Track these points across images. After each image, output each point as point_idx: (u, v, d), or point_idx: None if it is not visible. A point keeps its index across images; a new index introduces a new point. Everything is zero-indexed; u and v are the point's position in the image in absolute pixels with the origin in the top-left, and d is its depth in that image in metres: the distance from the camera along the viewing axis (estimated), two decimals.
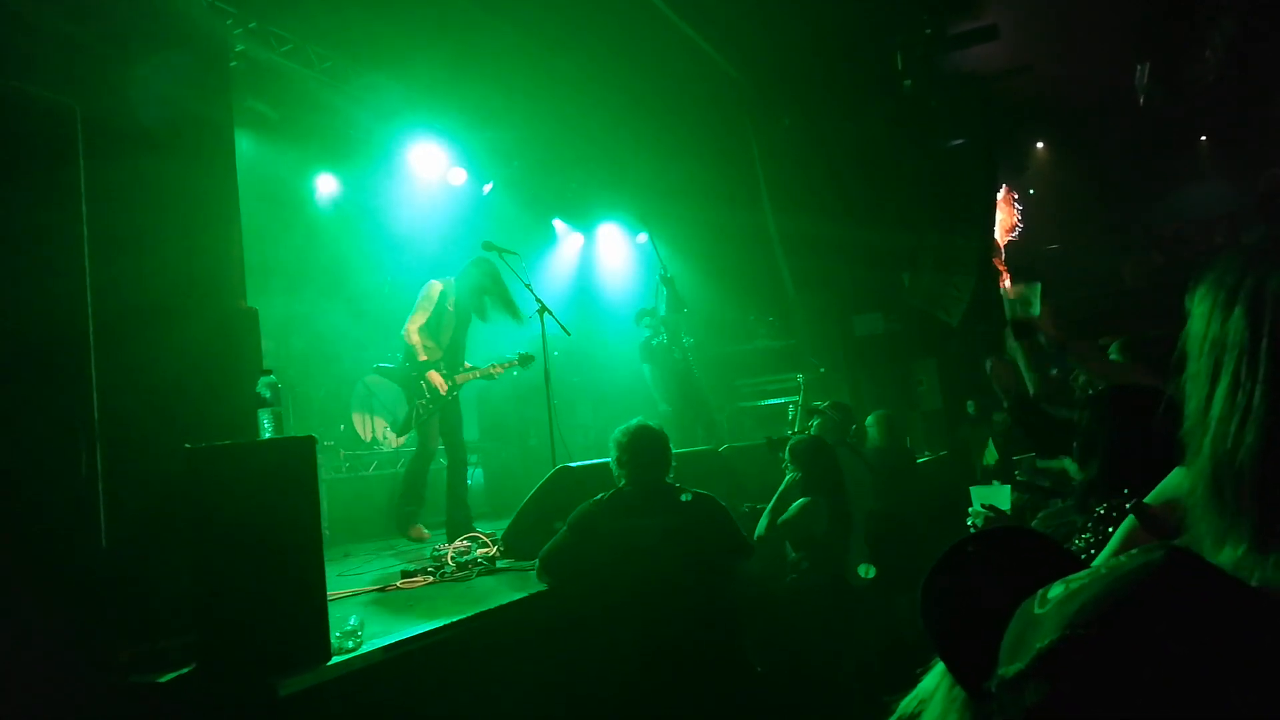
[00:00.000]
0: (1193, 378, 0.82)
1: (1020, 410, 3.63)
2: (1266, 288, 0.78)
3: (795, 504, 4.42)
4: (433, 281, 5.77)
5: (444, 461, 5.95)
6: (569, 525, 3.57)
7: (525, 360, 6.03)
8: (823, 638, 4.22)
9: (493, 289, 5.74)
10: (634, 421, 3.68)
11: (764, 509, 4.60)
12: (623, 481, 3.60)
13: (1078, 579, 0.69)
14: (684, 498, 3.55)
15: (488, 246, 5.88)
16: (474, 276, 5.75)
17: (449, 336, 5.81)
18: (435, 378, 5.65)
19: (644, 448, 3.58)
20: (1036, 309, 2.41)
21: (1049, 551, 0.86)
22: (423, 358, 5.64)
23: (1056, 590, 0.69)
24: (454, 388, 5.79)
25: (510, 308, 5.79)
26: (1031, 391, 3.53)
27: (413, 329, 5.64)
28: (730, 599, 3.61)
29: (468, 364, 5.96)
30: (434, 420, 5.78)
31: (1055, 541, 0.90)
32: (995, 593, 0.77)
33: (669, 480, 3.65)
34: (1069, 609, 0.66)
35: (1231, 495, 0.76)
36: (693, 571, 3.40)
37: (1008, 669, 0.68)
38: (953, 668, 0.79)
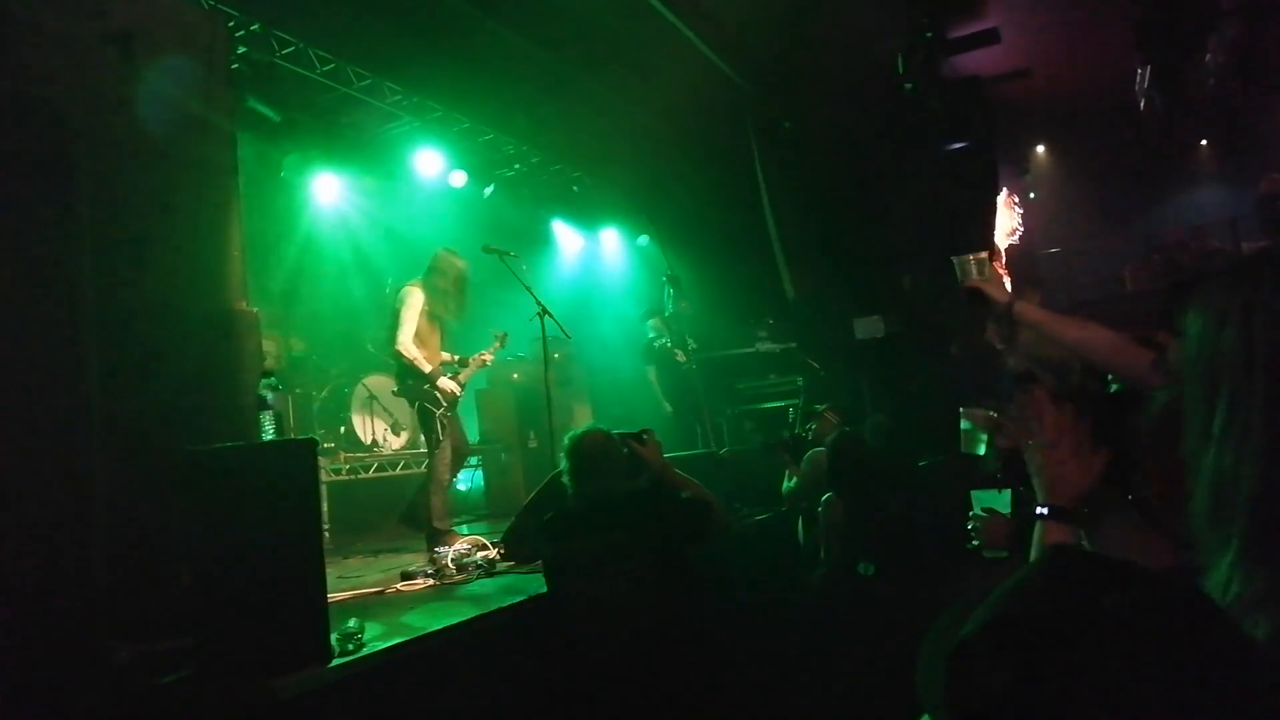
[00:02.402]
0: (1191, 399, 0.83)
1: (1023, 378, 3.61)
2: (1255, 306, 0.78)
3: (822, 500, 4.48)
4: (411, 289, 5.54)
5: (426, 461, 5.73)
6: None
7: (504, 338, 6.08)
8: (845, 632, 4.23)
9: (454, 288, 5.65)
10: (579, 429, 3.45)
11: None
12: (570, 493, 3.37)
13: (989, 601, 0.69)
14: (637, 478, 3.33)
15: (487, 249, 5.87)
16: (437, 277, 5.62)
17: (437, 340, 5.69)
18: (446, 384, 5.49)
19: (583, 458, 3.32)
20: (987, 275, 2.43)
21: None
22: (426, 369, 5.43)
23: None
24: (462, 387, 5.71)
25: (460, 310, 5.72)
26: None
27: (407, 341, 5.41)
28: (693, 602, 3.27)
29: (453, 357, 5.84)
30: (456, 422, 5.67)
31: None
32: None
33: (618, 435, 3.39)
34: (965, 629, 0.66)
35: (1228, 511, 0.76)
36: (644, 584, 3.10)
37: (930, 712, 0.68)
38: None
